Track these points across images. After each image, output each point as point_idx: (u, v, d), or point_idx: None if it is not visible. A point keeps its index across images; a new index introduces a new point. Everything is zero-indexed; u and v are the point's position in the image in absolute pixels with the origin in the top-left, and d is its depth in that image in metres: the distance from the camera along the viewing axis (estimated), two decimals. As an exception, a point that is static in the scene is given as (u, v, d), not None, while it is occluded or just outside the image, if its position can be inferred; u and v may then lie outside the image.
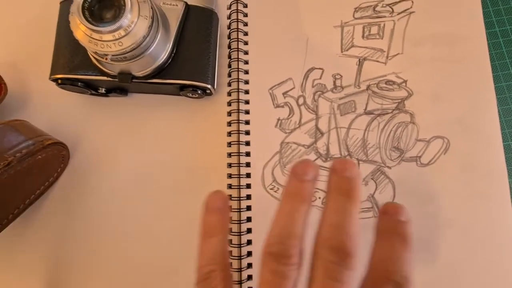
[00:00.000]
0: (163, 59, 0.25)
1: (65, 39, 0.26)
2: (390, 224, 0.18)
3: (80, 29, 0.21)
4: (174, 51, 0.26)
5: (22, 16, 0.31)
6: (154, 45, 0.24)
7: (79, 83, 0.27)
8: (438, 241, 0.27)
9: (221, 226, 0.19)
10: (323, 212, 0.17)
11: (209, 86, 0.27)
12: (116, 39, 0.21)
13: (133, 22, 0.21)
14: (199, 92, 0.27)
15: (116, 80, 0.26)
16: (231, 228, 0.27)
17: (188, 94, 0.28)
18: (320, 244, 0.16)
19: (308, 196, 0.18)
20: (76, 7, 0.21)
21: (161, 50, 0.25)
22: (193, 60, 0.26)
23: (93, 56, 0.25)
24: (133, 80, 0.26)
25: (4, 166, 0.22)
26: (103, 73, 0.26)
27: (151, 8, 0.22)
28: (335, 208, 0.17)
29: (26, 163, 0.24)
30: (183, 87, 0.27)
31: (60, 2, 0.28)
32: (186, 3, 0.26)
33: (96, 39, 0.21)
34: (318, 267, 0.16)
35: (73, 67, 0.26)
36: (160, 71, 0.26)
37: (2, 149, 0.23)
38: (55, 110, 0.30)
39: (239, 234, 0.27)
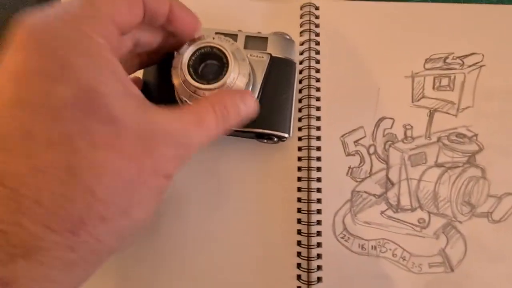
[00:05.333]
0: (247, 110, 0.26)
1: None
2: None
3: (183, 85, 0.22)
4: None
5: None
6: (244, 98, 0.24)
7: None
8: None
9: None
10: None
11: (286, 136, 0.28)
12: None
13: (234, 79, 0.22)
14: (275, 139, 0.28)
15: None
16: (300, 275, 0.27)
17: (263, 140, 0.28)
18: None
19: None
20: (182, 64, 0.21)
21: (248, 102, 0.26)
22: (274, 110, 0.27)
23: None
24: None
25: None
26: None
27: (249, 64, 0.23)
28: None
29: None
30: (261, 135, 0.28)
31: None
32: (270, 54, 0.27)
33: (199, 95, 0.22)
34: None
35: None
36: (242, 120, 0.27)
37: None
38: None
39: (308, 283, 0.27)
